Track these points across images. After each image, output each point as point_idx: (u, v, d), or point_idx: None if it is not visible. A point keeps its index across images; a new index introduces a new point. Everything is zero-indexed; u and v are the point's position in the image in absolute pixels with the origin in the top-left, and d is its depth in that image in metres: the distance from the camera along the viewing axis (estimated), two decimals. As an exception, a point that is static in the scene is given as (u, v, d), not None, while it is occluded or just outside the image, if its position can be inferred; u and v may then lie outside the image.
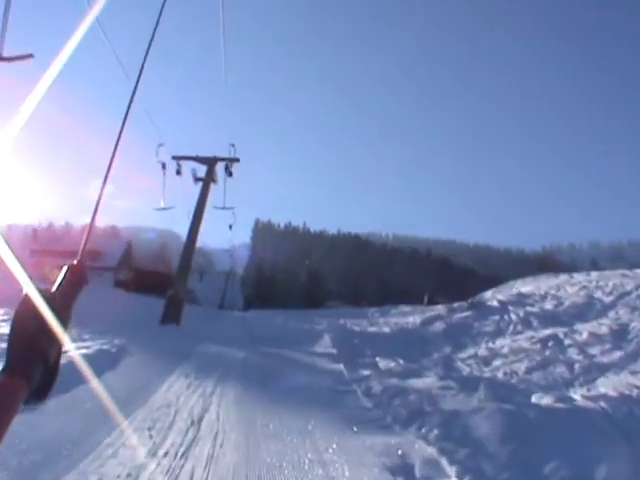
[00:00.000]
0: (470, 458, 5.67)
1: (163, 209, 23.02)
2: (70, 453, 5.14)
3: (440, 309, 26.30)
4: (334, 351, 15.33)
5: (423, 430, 6.80)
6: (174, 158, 22.96)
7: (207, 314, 34.71)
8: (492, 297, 27.78)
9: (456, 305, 25.58)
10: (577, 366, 12.31)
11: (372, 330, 22.85)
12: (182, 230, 23.74)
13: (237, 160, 23.60)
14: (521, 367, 13.10)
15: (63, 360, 1.06)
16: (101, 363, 9.91)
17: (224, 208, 26.40)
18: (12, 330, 1.00)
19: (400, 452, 6.00)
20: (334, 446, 6.19)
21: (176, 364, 11.29)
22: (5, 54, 9.33)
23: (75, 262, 1.20)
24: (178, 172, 23.10)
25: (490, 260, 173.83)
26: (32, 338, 0.98)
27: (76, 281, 1.16)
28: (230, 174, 23.64)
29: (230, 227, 38.62)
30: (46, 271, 40.76)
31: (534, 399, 8.88)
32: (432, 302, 42.00)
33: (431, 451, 6.00)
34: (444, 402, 8.34)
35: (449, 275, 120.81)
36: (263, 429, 6.76)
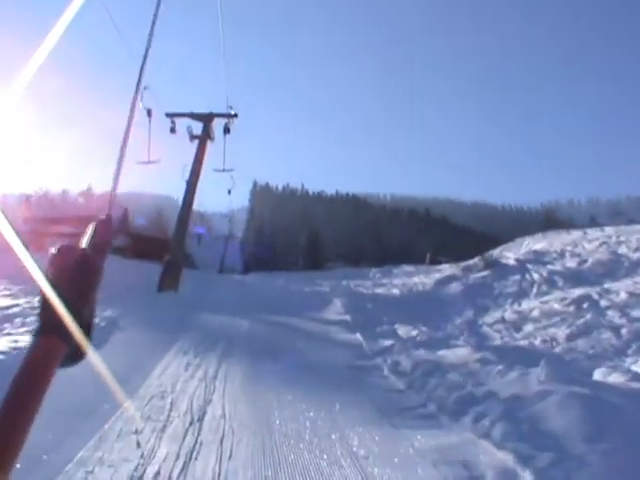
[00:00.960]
0: (557, 467, 4.32)
1: (149, 162, 20.52)
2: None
3: (454, 269, 25.14)
4: (347, 318, 14.04)
5: (481, 424, 5.44)
6: (168, 115, 21.13)
7: (206, 279, 33.40)
8: (503, 255, 26.63)
9: (471, 264, 24.32)
10: (624, 331, 11.01)
11: (381, 292, 21.72)
12: (180, 196, 21.94)
13: (235, 116, 21.92)
14: (559, 333, 11.81)
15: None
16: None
17: (223, 170, 24.58)
18: (44, 289, 0.92)
19: (462, 458, 4.65)
20: (375, 450, 4.85)
21: (173, 338, 9.96)
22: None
23: (103, 217, 1.11)
24: (172, 130, 21.35)
25: (488, 218, 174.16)
26: (66, 297, 0.91)
27: (105, 237, 1.09)
28: (228, 131, 22.01)
29: (229, 192, 37.04)
30: (39, 239, 39.67)
31: (598, 375, 7.57)
32: (434, 261, 42.36)
33: (503, 457, 4.64)
34: (492, 382, 7.02)
35: (448, 234, 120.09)
36: (280, 429, 5.38)
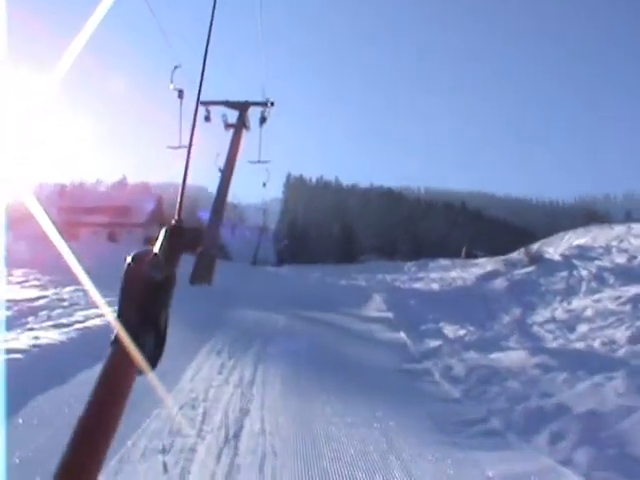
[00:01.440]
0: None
1: (179, 147, 19.13)
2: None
3: (496, 263, 24.22)
4: (389, 315, 13.33)
5: (560, 447, 4.70)
6: (202, 103, 20.48)
7: (240, 271, 33.02)
8: (544, 250, 25.66)
9: (514, 259, 23.41)
10: (695, 335, 10.15)
11: (419, 287, 20.97)
12: (214, 187, 21.23)
13: (272, 104, 21.28)
14: (617, 334, 10.93)
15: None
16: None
17: (259, 162, 23.89)
18: (122, 295, 0.95)
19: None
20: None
21: (206, 336, 9.38)
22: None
23: (173, 222, 1.11)
24: (207, 118, 20.81)
25: (523, 212, 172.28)
26: (143, 304, 0.95)
27: (177, 242, 1.08)
28: (264, 120, 21.38)
29: (264, 185, 36.62)
30: (73, 228, 39.73)
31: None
32: (470, 255, 41.97)
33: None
34: (559, 393, 6.28)
35: (483, 228, 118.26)
36: (329, 449, 4.68)
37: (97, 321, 9.08)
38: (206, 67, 1.48)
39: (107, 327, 8.60)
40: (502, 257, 28.10)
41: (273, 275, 34.59)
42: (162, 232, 1.07)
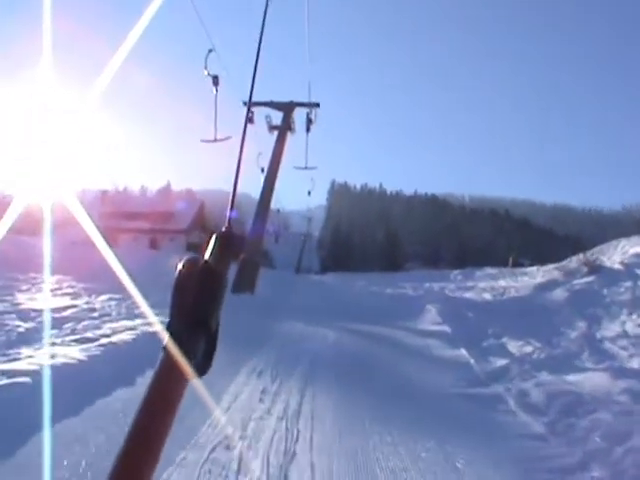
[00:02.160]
0: None
1: (215, 141, 16.81)
2: None
3: (552, 273, 22.87)
4: (447, 329, 12.19)
5: None
6: (246, 104, 19.74)
7: (284, 279, 32.17)
8: (599, 259, 24.18)
9: (573, 267, 21.98)
10: None
11: (470, 297, 19.75)
12: (258, 193, 20.25)
13: (317, 105, 20.34)
14: None
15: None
16: (141, 356, 7.14)
17: (306, 168, 22.75)
18: (173, 300, 0.97)
19: None
20: None
21: (247, 353, 8.44)
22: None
23: (223, 229, 1.14)
24: (250, 120, 20.02)
25: (568, 220, 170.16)
26: (194, 309, 0.96)
27: (227, 248, 1.11)
28: (310, 121, 20.44)
29: (309, 193, 36.34)
30: (113, 234, 39.35)
31: None
32: (517, 264, 40.57)
33: None
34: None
35: (528, 236, 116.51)
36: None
37: (125, 335, 8.21)
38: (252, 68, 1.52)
39: (134, 342, 7.79)
40: (553, 265, 27.19)
41: (317, 284, 33.66)
42: (213, 239, 1.09)
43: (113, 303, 12.25)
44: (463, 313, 13.88)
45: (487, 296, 19.55)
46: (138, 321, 10.04)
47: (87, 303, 11.89)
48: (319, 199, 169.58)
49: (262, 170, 19.36)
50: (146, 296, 13.23)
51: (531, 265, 34.87)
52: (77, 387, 5.36)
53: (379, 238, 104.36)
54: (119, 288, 13.93)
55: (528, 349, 10.18)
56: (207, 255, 1.05)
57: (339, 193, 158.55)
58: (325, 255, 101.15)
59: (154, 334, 8.60)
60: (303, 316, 13.93)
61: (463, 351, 9.84)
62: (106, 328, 8.88)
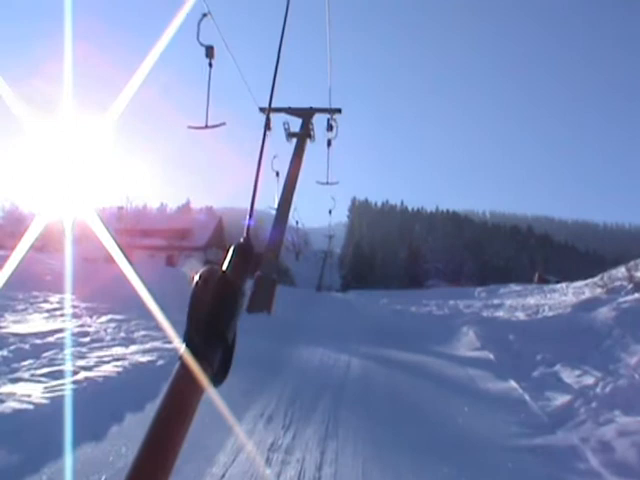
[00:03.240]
0: None
1: (206, 127, 14.22)
2: None
3: (595, 289, 21.20)
4: (489, 356, 10.62)
5: None
6: (262, 110, 18.39)
7: (304, 297, 30.79)
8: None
9: (617, 285, 20.33)
10: None
11: (502, 316, 18.20)
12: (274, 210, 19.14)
13: (338, 111, 18.97)
14: None
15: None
16: (121, 398, 5.75)
17: (327, 183, 22.30)
18: (190, 311, 0.99)
19: None
20: None
21: (257, 388, 7.01)
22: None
23: (242, 240, 1.16)
24: (267, 127, 18.68)
25: (590, 236, 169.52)
26: (211, 319, 0.98)
27: (245, 260, 1.12)
28: (331, 128, 19.06)
29: (330, 212, 37.56)
30: (128, 250, 38.20)
31: None
32: (542, 280, 42.65)
33: None
34: None
35: (550, 252, 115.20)
36: None
37: (110, 367, 6.85)
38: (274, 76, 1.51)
39: (118, 378, 6.44)
40: (583, 282, 25.91)
41: (339, 302, 32.25)
42: (230, 250, 1.11)
43: (112, 325, 11.05)
44: (503, 336, 12.29)
45: (520, 315, 18.01)
46: (133, 348, 8.77)
47: (81, 326, 10.65)
48: (340, 216, 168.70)
49: (277, 174, 18.07)
50: (154, 315, 12.44)
51: (558, 282, 34.16)
52: (9, 450, 3.98)
53: (401, 255, 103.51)
54: (125, 307, 13.01)
55: (588, 380, 8.62)
56: (225, 266, 1.05)
57: (360, 210, 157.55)
58: (346, 272, 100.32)
59: (146, 365, 7.28)
60: (323, 339, 12.50)
61: (513, 383, 8.32)
62: (92, 357, 7.57)
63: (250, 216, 1.22)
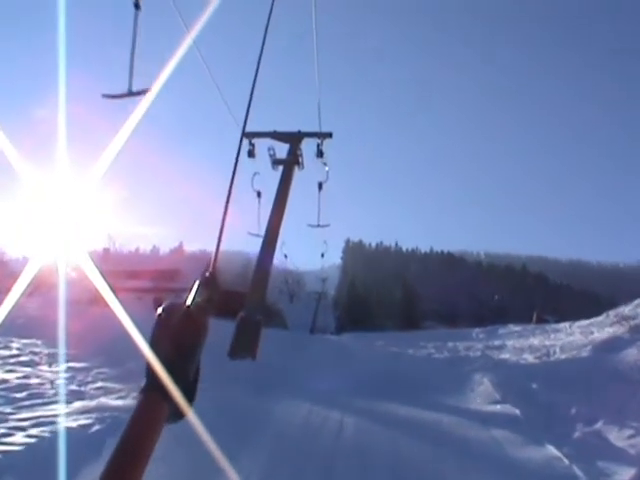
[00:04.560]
0: None
1: (123, 96, 10.06)
2: None
3: (613, 328, 19.48)
4: (514, 411, 8.66)
5: None
6: (246, 136, 16.86)
7: (296, 340, 28.95)
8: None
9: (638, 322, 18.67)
10: None
11: (507, 358, 16.53)
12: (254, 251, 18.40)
13: (329, 136, 17.49)
14: None
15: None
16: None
17: (318, 226, 21.58)
18: (151, 348, 0.99)
19: None
20: None
21: (219, 466, 5.24)
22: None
23: (207, 274, 1.17)
24: (250, 153, 17.12)
25: (583, 275, 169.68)
26: (171, 356, 0.97)
27: (210, 294, 1.13)
28: (321, 154, 17.55)
29: (322, 255, 38.83)
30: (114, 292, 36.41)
31: None
32: (541, 320, 40.68)
33: None
34: None
35: (545, 292, 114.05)
36: None
37: (21, 436, 5.17)
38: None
39: (23, 453, 4.71)
40: (587, 321, 24.60)
41: (333, 345, 30.43)
42: (195, 284, 1.11)
43: (67, 375, 9.74)
44: (524, 384, 10.42)
45: (529, 357, 16.33)
46: (76, 405, 7.28)
47: (26, 377, 9.16)
48: (334, 258, 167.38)
49: (258, 194, 16.78)
50: (123, 362, 10.72)
51: (557, 321, 32.88)
52: None
53: (396, 296, 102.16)
54: (94, 353, 11.68)
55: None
56: (189, 300, 1.05)
57: (354, 251, 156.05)
58: (341, 314, 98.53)
59: (75, 432, 5.58)
60: (313, 390, 10.78)
61: (552, 449, 6.52)
62: (11, 421, 5.90)
63: (217, 250, 1.21)
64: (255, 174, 17.35)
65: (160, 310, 1.00)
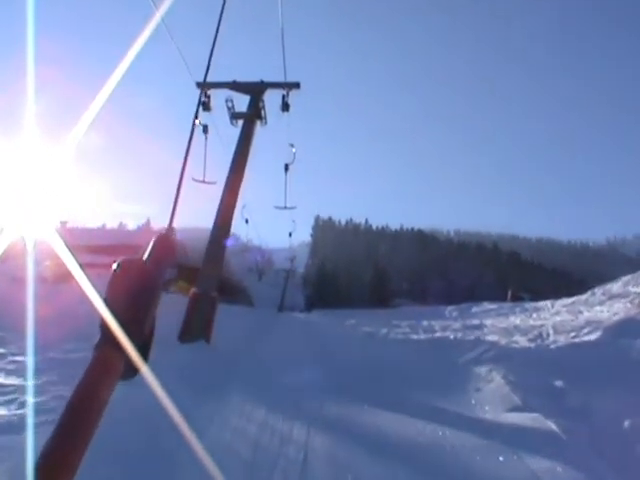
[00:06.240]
0: None
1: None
2: None
3: (628, 309, 17.35)
4: (549, 425, 5.90)
5: None
6: (200, 85, 14.42)
7: (262, 319, 27.02)
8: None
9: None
10: None
11: (495, 340, 14.15)
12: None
13: (296, 86, 15.16)
14: None
15: None
16: None
17: (285, 208, 21.72)
18: (105, 302, 0.99)
19: None
20: None
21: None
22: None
23: (163, 232, 1.16)
24: (205, 106, 14.77)
25: (554, 254, 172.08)
26: (127, 310, 0.98)
27: (166, 250, 1.14)
28: (287, 107, 15.27)
29: (290, 234, 39.26)
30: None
31: None
32: (516, 298, 40.40)
33: None
34: None
35: (517, 270, 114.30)
36: None
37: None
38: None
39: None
40: (570, 299, 23.02)
41: (301, 324, 28.46)
42: (152, 241, 1.11)
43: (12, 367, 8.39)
44: (546, 381, 7.96)
45: (520, 340, 14.16)
46: None
47: None
48: (303, 235, 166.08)
49: (204, 129, 15.44)
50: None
51: (531, 300, 31.89)
52: None
53: (366, 274, 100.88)
54: (22, 336, 10.10)
55: None
56: (145, 256, 1.06)
57: (324, 228, 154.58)
58: (310, 292, 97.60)
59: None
60: (273, 384, 8.66)
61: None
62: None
63: (174, 208, 1.25)
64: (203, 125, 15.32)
65: (115, 266, 0.99)
